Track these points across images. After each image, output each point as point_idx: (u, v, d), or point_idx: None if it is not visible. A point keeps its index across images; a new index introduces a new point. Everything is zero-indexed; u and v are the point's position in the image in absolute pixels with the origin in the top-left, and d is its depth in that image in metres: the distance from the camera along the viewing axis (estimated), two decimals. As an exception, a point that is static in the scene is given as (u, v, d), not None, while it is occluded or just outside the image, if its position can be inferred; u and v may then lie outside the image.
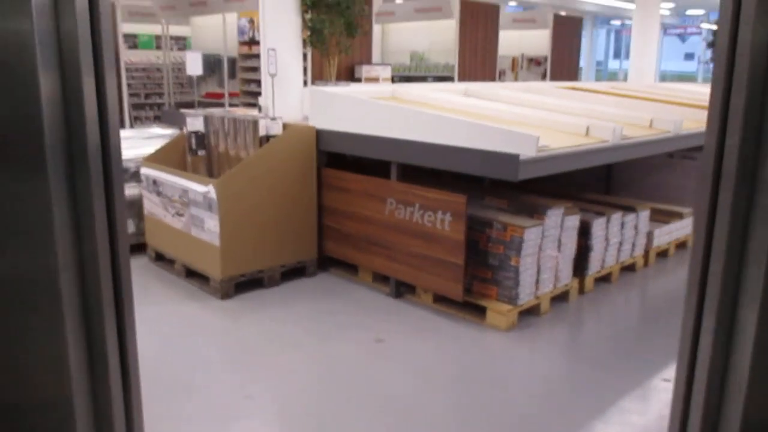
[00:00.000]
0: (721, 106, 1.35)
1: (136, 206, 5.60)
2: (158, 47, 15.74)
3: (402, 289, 4.79)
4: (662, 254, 5.98)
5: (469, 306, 4.44)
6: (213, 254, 4.65)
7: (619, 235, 5.22)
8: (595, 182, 6.63)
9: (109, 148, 1.19)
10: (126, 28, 14.37)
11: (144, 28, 16.15)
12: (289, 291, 4.91)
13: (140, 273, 5.27)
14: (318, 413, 3.25)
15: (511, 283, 4.29)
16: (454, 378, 3.66)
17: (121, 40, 10.58)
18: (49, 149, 1.08)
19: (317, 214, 5.15)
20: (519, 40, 16.57)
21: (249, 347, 4.00)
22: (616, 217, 5.13)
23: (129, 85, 13.12)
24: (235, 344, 4.05)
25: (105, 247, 1.24)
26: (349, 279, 5.14)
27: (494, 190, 5.05)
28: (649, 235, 5.67)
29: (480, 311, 4.38)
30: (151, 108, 14.63)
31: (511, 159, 3.81)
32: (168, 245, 5.25)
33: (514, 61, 16.72)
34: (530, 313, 4.49)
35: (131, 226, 5.64)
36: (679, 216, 6.11)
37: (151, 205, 5.34)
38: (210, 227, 4.63)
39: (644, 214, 5.47)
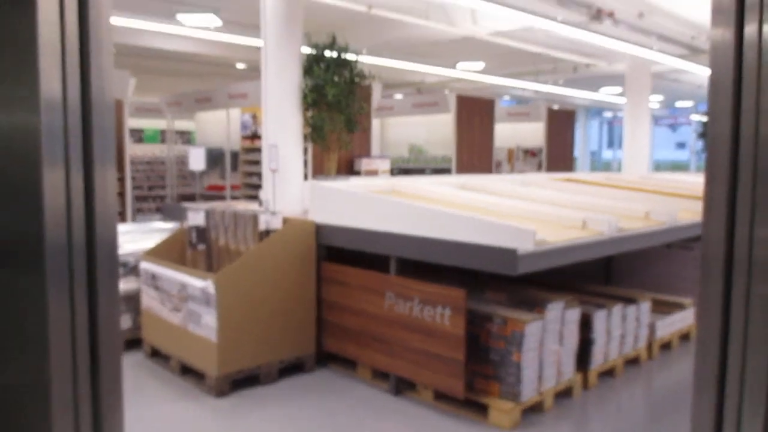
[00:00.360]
0: (715, 197, 1.38)
1: (133, 301, 5.57)
2: (163, 141, 16.18)
3: (402, 386, 4.69)
4: (666, 346, 5.89)
5: (471, 403, 4.33)
6: (209, 350, 4.58)
7: (621, 328, 5.17)
8: (595, 272, 6.63)
9: (106, 243, 1.19)
10: (132, 123, 14.83)
11: (150, 123, 16.66)
12: (286, 388, 4.80)
13: (135, 370, 5.17)
14: None
15: (513, 380, 4.21)
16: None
17: (126, 134, 10.83)
18: (49, 243, 1.08)
19: (316, 309, 5.11)
20: (514, 132, 17.02)
21: (244, 449, 3.87)
22: (618, 309, 5.10)
23: (133, 178, 13.33)
24: (229, 446, 3.93)
25: (92, 349, 1.22)
26: (348, 375, 5.04)
27: (494, 283, 5.04)
28: (652, 327, 5.61)
29: (482, 409, 4.27)
30: (153, 200, 14.87)
31: (509, 253, 3.83)
32: (164, 341, 5.18)
33: (510, 152, 17.10)
34: (534, 410, 4.37)
35: (128, 321, 5.58)
36: (681, 307, 6.07)
37: (149, 300, 5.31)
38: (207, 322, 4.59)
39: (645, 306, 5.44)
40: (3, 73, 1.12)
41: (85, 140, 1.16)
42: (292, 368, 5.01)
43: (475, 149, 14.02)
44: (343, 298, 4.96)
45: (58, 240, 1.11)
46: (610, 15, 9.34)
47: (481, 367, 4.35)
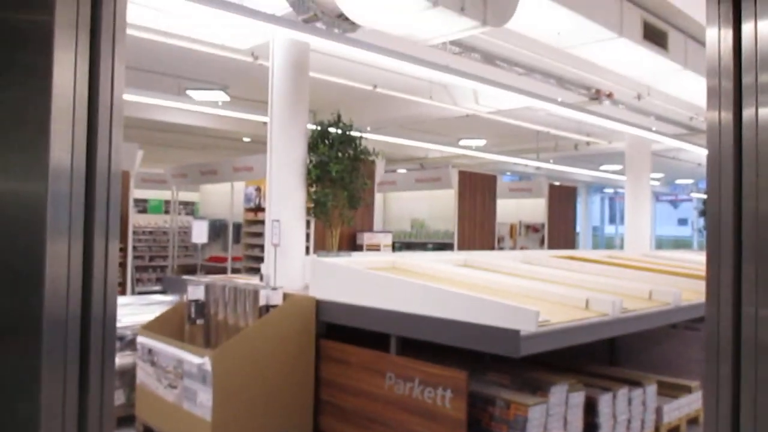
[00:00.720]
0: (718, 277, 1.36)
1: (128, 376, 5.46)
2: (167, 211, 16.28)
3: (401, 471, 4.52)
4: (674, 430, 5.71)
5: (472, 491, 4.16)
6: (204, 430, 4.45)
7: (627, 412, 5.03)
8: (599, 352, 6.50)
9: (103, 318, 1.17)
10: (137, 193, 14.97)
11: (154, 194, 16.83)
12: (281, 471, 4.63)
13: (126, 449, 5.02)
14: None
15: (516, 466, 4.06)
16: None
17: (131, 207, 10.93)
18: (46, 315, 1.06)
19: (314, 388, 5.00)
20: (516, 207, 17.14)
21: None
22: (623, 392, 4.97)
23: (134, 248, 13.34)
24: None
25: (80, 426, 1.17)
26: (345, 458, 4.87)
27: (497, 364, 4.94)
28: (659, 411, 5.45)
29: (484, 497, 4.10)
30: (154, 270, 14.81)
31: (512, 335, 3.77)
32: (158, 419, 5.05)
33: (512, 227, 17.15)
34: (538, 499, 4.19)
35: (121, 397, 5.45)
36: (688, 390, 5.92)
37: (145, 376, 5.21)
38: (202, 401, 4.48)
39: (651, 389, 5.31)
40: (16, 142, 1.13)
41: (87, 210, 1.16)
42: (288, 450, 4.85)
43: (477, 224, 14.07)
44: (342, 377, 4.86)
45: (56, 312, 1.09)
46: (609, 96, 9.57)
47: (483, 453, 4.21)
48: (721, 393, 1.35)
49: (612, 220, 33.70)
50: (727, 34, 1.36)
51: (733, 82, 1.34)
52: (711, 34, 1.40)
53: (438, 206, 14.45)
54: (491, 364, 4.94)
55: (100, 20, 1.22)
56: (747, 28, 1.32)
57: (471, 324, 4.01)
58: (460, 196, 13.62)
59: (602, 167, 18.73)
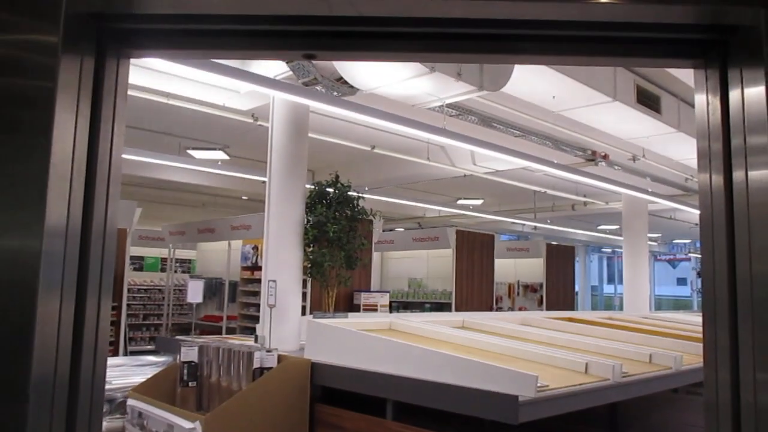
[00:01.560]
0: (714, 341, 1.33)
1: (117, 441, 5.31)
2: (163, 269, 16.21)
3: None
4: (679, 502, 5.53)
5: None
6: (193, 499, 4.30)
7: (630, 482, 4.87)
8: (599, 417, 6.36)
9: (91, 379, 1.14)
10: (134, 250, 14.93)
11: (151, 251, 16.78)
12: None
13: None
14: None
15: None
16: None
17: (127, 264, 10.87)
18: (35, 376, 1.02)
19: (308, 454, 4.86)
20: (514, 267, 17.09)
21: None
22: (625, 461, 4.83)
23: (129, 306, 13.21)
24: None
25: None
26: None
27: (496, 430, 4.81)
28: (663, 481, 5.29)
29: None
30: (147, 329, 14.60)
31: (510, 400, 3.69)
32: (146, 486, 4.88)
33: (510, 287, 17.07)
34: None
35: (109, 463, 5.28)
36: (692, 458, 5.76)
37: (134, 441, 5.06)
38: (192, 468, 4.34)
39: (655, 457, 5.16)
40: (13, 200, 1.13)
41: (81, 268, 1.15)
42: None
43: (474, 284, 14.00)
44: (337, 443, 4.73)
45: (44, 374, 1.06)
46: (605, 157, 9.68)
47: None
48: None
49: (611, 280, 33.59)
50: (715, 100, 1.38)
51: (722, 145, 1.35)
52: (699, 99, 1.43)
53: (436, 266, 14.42)
54: (490, 429, 4.81)
55: (102, 85, 1.25)
56: (734, 94, 1.34)
57: (468, 389, 3.93)
58: (457, 256, 13.60)
59: (600, 227, 18.78)
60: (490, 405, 3.82)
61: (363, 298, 10.85)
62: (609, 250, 30.83)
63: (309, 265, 6.00)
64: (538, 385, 3.82)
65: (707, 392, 1.36)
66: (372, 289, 11.59)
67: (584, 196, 14.33)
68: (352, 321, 5.63)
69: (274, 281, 5.57)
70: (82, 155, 1.19)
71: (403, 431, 4.28)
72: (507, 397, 3.71)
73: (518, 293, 17.02)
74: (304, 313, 7.15)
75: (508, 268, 16.74)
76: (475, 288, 13.96)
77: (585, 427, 5.62)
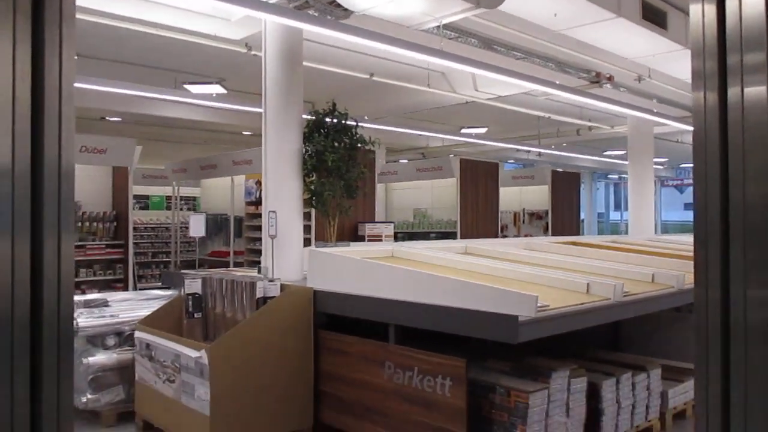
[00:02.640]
0: (705, 260, 1.32)
1: (127, 372, 5.42)
2: (168, 207, 16.25)
3: (404, 461, 4.47)
4: (680, 415, 5.64)
5: (474, 480, 4.10)
6: (203, 424, 4.41)
7: (631, 397, 4.96)
8: (602, 338, 6.44)
9: (56, 315, 1.10)
10: (139, 190, 14.93)
11: (155, 190, 16.79)
12: (282, 464, 4.59)
13: (126, 444, 4.98)
14: None
15: (518, 454, 4.00)
16: None
17: (131, 202, 10.86)
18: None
19: (314, 379, 4.95)
20: (519, 195, 17.03)
21: None
22: (626, 377, 4.90)
23: (136, 245, 13.30)
24: None
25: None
26: (347, 449, 4.82)
27: (497, 351, 4.87)
28: (664, 396, 5.39)
29: (487, 486, 4.04)
30: (157, 266, 14.77)
31: (510, 320, 3.70)
32: (157, 414, 5.01)
33: (515, 215, 17.05)
34: (542, 487, 4.13)
35: (121, 393, 5.42)
36: (693, 373, 5.84)
37: (143, 371, 5.17)
38: (200, 395, 4.43)
39: (656, 374, 5.24)
40: None
41: (35, 208, 1.10)
42: (288, 442, 4.81)
43: (479, 213, 13.98)
44: (342, 368, 4.80)
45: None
46: (610, 79, 9.44)
47: (484, 441, 4.15)
48: (711, 376, 1.32)
49: (617, 207, 33.52)
50: (711, 10, 1.30)
51: (718, 62, 1.29)
52: (695, 10, 1.34)
53: (440, 196, 14.36)
54: (492, 351, 4.88)
55: (42, 8, 1.15)
56: (731, 3, 1.26)
57: (469, 311, 3.95)
58: (462, 185, 13.52)
59: (606, 153, 18.58)
60: (490, 326, 3.84)
61: (367, 229, 10.87)
62: (615, 177, 30.65)
63: (309, 196, 5.96)
64: (538, 305, 3.82)
65: (698, 313, 1.37)
66: (376, 221, 11.59)
67: (589, 120, 14.10)
68: (354, 249, 5.63)
69: (275, 212, 5.55)
70: (24, 89, 1.11)
71: (406, 354, 4.33)
72: (507, 317, 3.73)
73: (523, 221, 17.02)
74: (308, 245, 7.15)
75: (513, 196, 16.68)
76: (480, 217, 13.95)
77: (587, 348, 5.68)
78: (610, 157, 18.86)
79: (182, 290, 5.57)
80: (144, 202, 16.96)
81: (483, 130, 14.86)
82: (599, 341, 6.32)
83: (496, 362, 4.58)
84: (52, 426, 1.11)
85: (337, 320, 5.11)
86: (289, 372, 4.77)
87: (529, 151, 16.91)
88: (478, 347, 4.95)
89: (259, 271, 5.71)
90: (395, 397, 4.38)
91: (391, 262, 5.15)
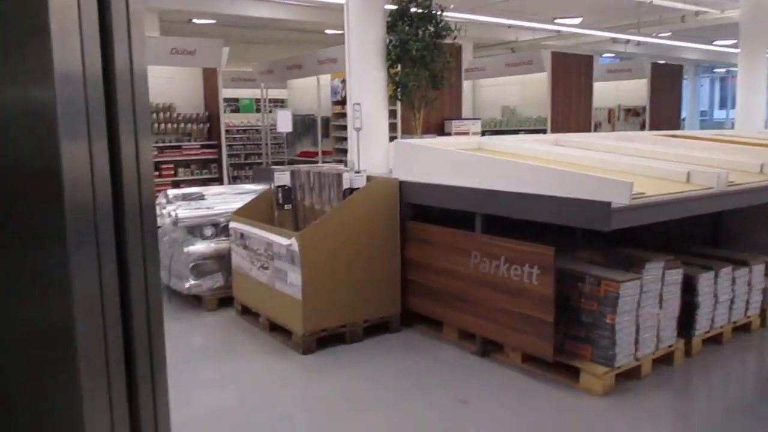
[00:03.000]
0: None
1: (225, 260, 5.71)
2: (258, 110, 16.54)
3: (489, 348, 4.54)
4: (782, 313, 5.39)
5: (560, 367, 4.13)
6: (295, 308, 4.61)
7: (729, 292, 4.76)
8: (700, 234, 6.15)
9: (144, 211, 1.11)
10: (228, 92, 15.21)
11: (244, 93, 17.06)
12: (371, 347, 4.77)
13: (226, 327, 5.31)
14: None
15: (606, 343, 3.96)
16: (544, 445, 3.36)
17: (221, 104, 11.09)
18: (69, 210, 0.99)
19: (401, 268, 5.03)
20: (615, 90, 16.12)
21: (328, 406, 3.87)
22: (726, 271, 4.69)
23: (229, 146, 13.72)
24: (314, 402, 3.94)
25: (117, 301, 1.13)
26: (433, 336, 4.95)
27: (587, 242, 4.76)
28: (765, 292, 5.14)
29: (573, 373, 4.06)
30: (249, 167, 15.25)
31: (603, 207, 3.56)
32: (253, 299, 5.28)
33: (610, 112, 16.23)
34: (629, 376, 4.11)
35: (220, 280, 5.73)
36: (800, 271, 5.52)
37: (239, 259, 5.42)
38: (292, 280, 4.62)
39: (758, 269, 4.98)
40: (14, 46, 1.05)
41: (109, 113, 1.08)
42: (377, 328, 4.98)
43: (572, 109, 13.39)
44: (428, 257, 4.85)
45: (80, 208, 1.02)
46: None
47: (571, 329, 4.13)
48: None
49: (722, 105, 31.25)
50: None
51: None
52: None
53: (530, 92, 13.81)
54: (581, 242, 4.77)
55: None
56: None
57: (559, 198, 3.83)
58: (553, 80, 12.91)
59: (714, 42, 17.12)
60: (581, 213, 3.72)
61: (453, 126, 10.67)
62: (722, 71, 28.38)
63: (394, 88, 5.85)
64: (633, 192, 3.65)
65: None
66: (463, 117, 11.33)
67: (696, 4, 12.92)
68: (440, 140, 5.54)
69: (359, 104, 5.50)
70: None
71: (492, 243, 4.30)
72: (599, 204, 3.59)
73: (618, 118, 16.19)
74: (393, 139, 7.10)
75: (608, 92, 15.81)
76: (572, 113, 13.37)
77: (684, 241, 5.44)
78: (717, 46, 17.38)
79: (272, 184, 5.71)
80: (234, 105, 17.31)
81: (578, 21, 13.96)
82: (697, 237, 6.04)
83: (585, 252, 4.48)
84: (142, 310, 1.13)
85: (423, 212, 5.12)
86: (377, 260, 4.87)
87: (627, 42, 15.83)
88: (566, 240, 4.84)
89: (346, 165, 5.75)
90: (482, 286, 4.40)
91: (478, 153, 5.03)
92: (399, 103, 8.48)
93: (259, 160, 15.34)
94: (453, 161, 4.66)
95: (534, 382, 4.10)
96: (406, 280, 5.06)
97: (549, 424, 3.58)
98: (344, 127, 11.51)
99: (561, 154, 5.07)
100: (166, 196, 6.15)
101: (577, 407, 3.77)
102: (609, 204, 3.53)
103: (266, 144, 14.92)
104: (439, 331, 4.94)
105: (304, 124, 13.00)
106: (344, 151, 11.48)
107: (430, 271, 4.84)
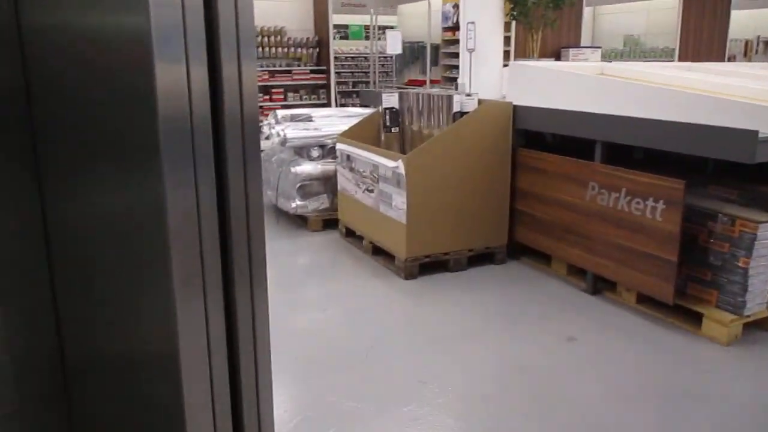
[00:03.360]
0: None
1: (330, 182, 5.70)
2: (366, 37, 16.30)
3: (600, 285, 4.30)
4: None
5: (680, 310, 3.83)
6: (399, 232, 4.53)
7: None
8: None
9: (243, 122, 1.02)
10: (337, 19, 15.05)
11: (354, 19, 16.83)
12: (475, 277, 4.65)
13: (330, 248, 5.34)
14: (494, 411, 2.96)
15: (736, 289, 3.62)
16: (657, 392, 3.14)
17: (331, 29, 10.98)
18: (165, 139, 0.91)
19: (510, 197, 4.81)
20: (754, 19, 14.56)
21: (428, 331, 3.81)
22: None
23: (338, 74, 13.67)
24: (414, 326, 3.89)
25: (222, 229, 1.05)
26: (540, 269, 4.74)
27: (719, 179, 4.33)
28: None
29: (694, 318, 3.76)
30: (356, 95, 15.21)
31: (748, 137, 3.17)
32: (357, 221, 5.26)
33: (747, 44, 14.74)
34: (758, 326, 3.75)
35: (326, 202, 5.75)
36: None
37: (344, 181, 5.38)
38: (397, 204, 4.52)
39: None
40: None
41: (210, 36, 0.97)
42: (481, 258, 4.83)
43: (703, 40, 12.25)
44: (540, 187, 4.59)
45: (177, 127, 0.94)
46: None
47: (696, 271, 3.80)
48: None
49: None
50: None
51: None
52: None
53: (657, 20, 12.73)
54: (713, 178, 4.34)
55: None
56: None
57: (694, 125, 3.45)
58: (684, 7, 11.81)
59: None
60: (721, 143, 3.33)
61: (571, 55, 10.04)
62: None
63: (512, 6, 5.47)
64: (786, 120, 3.22)
65: None
66: (582, 46, 10.64)
67: None
68: (559, 64, 5.16)
69: (473, 23, 5.19)
70: None
71: (613, 174, 3.99)
72: (744, 133, 3.19)
73: (756, 51, 14.69)
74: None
75: (745, 21, 14.32)
76: (703, 44, 12.24)
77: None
78: None
79: (380, 107, 5.57)
80: (343, 31, 17.12)
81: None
82: None
83: (718, 189, 4.07)
84: (242, 229, 1.06)
85: (535, 139, 4.83)
86: (485, 187, 4.67)
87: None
88: (695, 175, 4.42)
89: (456, 88, 5.51)
90: (597, 219, 4.12)
91: (601, 76, 4.64)
92: (513, 28, 8.03)
93: (367, 89, 15.24)
94: (575, 84, 4.32)
95: (649, 325, 3.84)
96: (515, 210, 4.84)
97: (664, 371, 3.34)
98: (454, 55, 11.13)
99: (696, 80, 4.57)
100: (275, 116, 6.18)
101: (697, 356, 3.50)
102: (756, 133, 3.14)
103: (374, 72, 14.75)
104: (546, 265, 4.73)
105: (413, 52, 12.72)
106: (453, 80, 11.14)
107: (542, 201, 4.59)
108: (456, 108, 4.68)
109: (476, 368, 3.33)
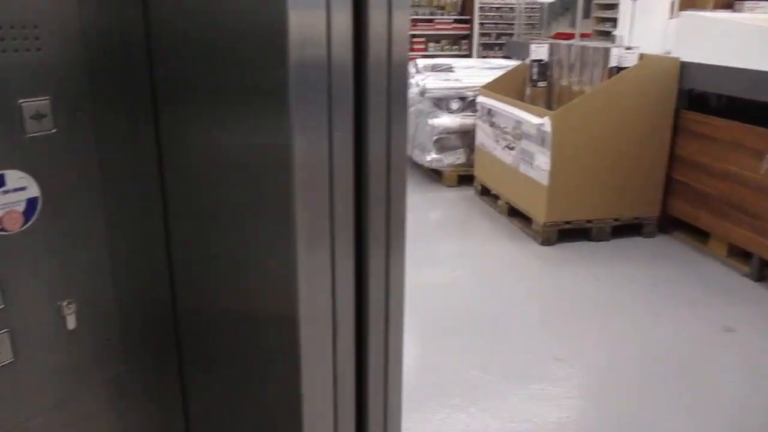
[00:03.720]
0: None
1: (468, 137, 5.47)
2: (515, -15, 15.55)
3: (767, 271, 3.80)
4: None
5: None
6: (539, 194, 4.25)
7: None
8: None
9: (390, 66, 0.91)
10: (485, -34, 14.41)
11: (503, -34, 16.06)
12: (619, 249, 4.28)
13: (464, 205, 5.15)
14: (633, 401, 2.68)
15: None
16: (835, 399, 2.71)
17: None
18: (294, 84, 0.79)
19: (666, 165, 4.35)
20: None
21: (565, 304, 3.55)
22: None
23: (481, 25, 13.19)
24: (550, 297, 3.64)
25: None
26: (695, 248, 4.28)
27: None
28: None
29: None
30: (499, 48, 14.61)
31: None
32: (494, 180, 5.01)
33: None
34: None
35: (462, 157, 5.54)
36: None
37: (483, 136, 5.13)
38: (540, 164, 4.22)
39: None
40: None
41: None
42: (627, 229, 4.44)
43: None
44: (704, 156, 4.10)
45: (310, 75, 0.83)
46: None
47: None
48: None
49: None
50: None
51: None
52: None
53: None
54: None
55: None
56: None
57: None
58: None
59: None
60: None
61: (746, 8, 8.92)
62: None
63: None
64: None
65: None
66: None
67: None
68: (741, 15, 4.54)
69: (642, -33, 4.66)
70: None
71: (799, 145, 3.45)
72: None
73: None
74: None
75: None
76: None
77: None
78: None
79: (527, 59, 5.22)
80: (490, -20, 16.42)
81: None
82: None
83: None
84: (380, 182, 0.94)
85: (702, 102, 4.30)
86: (639, 152, 4.24)
87: None
88: None
89: (613, 41, 5.02)
90: (772, 196, 3.61)
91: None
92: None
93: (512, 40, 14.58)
94: (758, 40, 3.75)
95: (825, 321, 3.34)
96: (671, 179, 4.38)
97: (843, 375, 2.89)
98: (608, 6, 10.30)
99: None
100: (416, 65, 5.99)
101: None
102: None
103: (519, 24, 14.07)
104: (703, 244, 4.26)
105: (563, 3, 11.94)
106: (606, 34, 10.34)
107: (705, 172, 4.10)
108: (613, 62, 4.25)
109: (616, 351, 3.05)
